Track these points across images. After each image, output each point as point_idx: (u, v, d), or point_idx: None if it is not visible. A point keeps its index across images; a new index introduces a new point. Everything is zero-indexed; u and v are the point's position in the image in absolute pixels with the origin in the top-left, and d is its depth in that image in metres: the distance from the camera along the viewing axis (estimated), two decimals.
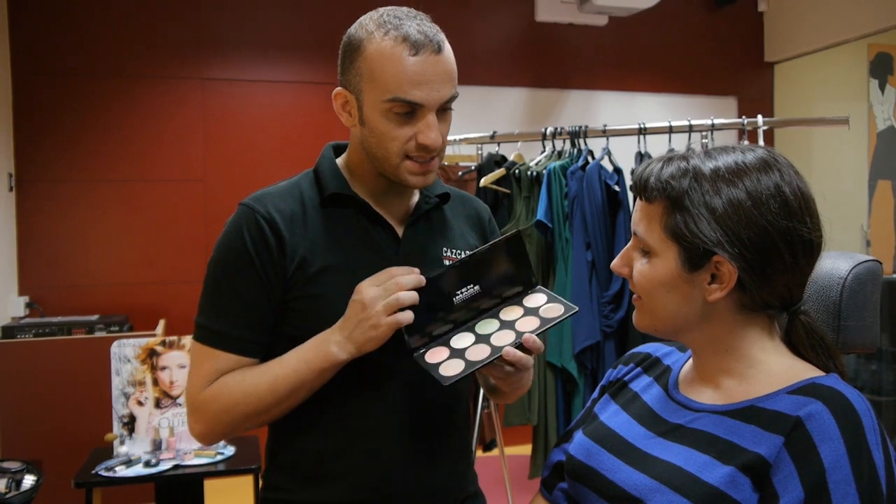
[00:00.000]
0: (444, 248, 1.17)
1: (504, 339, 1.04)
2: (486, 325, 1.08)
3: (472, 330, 1.07)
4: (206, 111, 4.04)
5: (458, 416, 1.18)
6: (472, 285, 1.08)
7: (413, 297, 1.01)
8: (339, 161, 1.17)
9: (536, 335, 1.02)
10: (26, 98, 3.75)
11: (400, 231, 1.14)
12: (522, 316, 1.08)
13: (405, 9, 1.07)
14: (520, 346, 1.02)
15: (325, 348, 1.02)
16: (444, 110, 1.07)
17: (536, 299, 1.11)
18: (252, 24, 4.10)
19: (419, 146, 1.05)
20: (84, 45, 3.84)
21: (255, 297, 1.07)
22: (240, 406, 1.05)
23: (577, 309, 1.07)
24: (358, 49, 1.05)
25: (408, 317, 1.01)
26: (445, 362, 1.03)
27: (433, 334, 1.06)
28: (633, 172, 2.75)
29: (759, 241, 0.84)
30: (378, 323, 1.00)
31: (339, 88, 1.10)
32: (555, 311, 1.07)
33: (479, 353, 1.03)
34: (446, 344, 1.06)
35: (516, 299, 1.11)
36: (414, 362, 1.04)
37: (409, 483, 1.09)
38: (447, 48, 1.06)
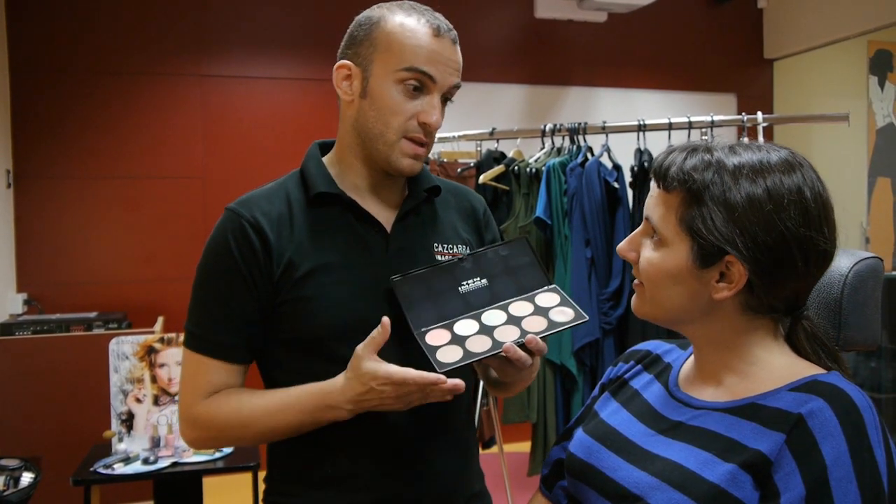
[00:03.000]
0: (435, 244, 1.16)
1: (508, 334, 1.03)
2: (493, 317, 1.07)
3: (477, 319, 1.07)
4: (205, 108, 4.03)
5: (458, 415, 1.16)
6: (478, 279, 1.10)
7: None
8: (326, 159, 1.16)
9: (540, 337, 1.01)
10: (25, 94, 3.74)
11: (389, 227, 1.12)
12: (531, 314, 1.07)
13: (421, 5, 1.11)
14: (522, 345, 1.01)
15: (331, 413, 1.02)
16: (445, 100, 1.09)
17: (549, 299, 1.10)
18: (251, 21, 4.09)
19: (420, 124, 1.06)
20: (83, 42, 3.83)
21: (243, 303, 1.06)
22: (235, 431, 1.07)
23: (587, 318, 1.06)
24: (377, 23, 1.07)
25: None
26: (444, 347, 1.02)
27: (437, 318, 1.06)
28: (633, 169, 2.75)
29: (775, 246, 0.83)
30: (408, 402, 0.99)
31: (343, 60, 1.10)
32: (565, 315, 1.06)
33: (480, 344, 1.02)
34: (449, 328, 1.05)
35: (528, 295, 1.11)
36: (412, 364, 1.03)
37: (412, 484, 1.08)
38: (458, 45, 1.11)
